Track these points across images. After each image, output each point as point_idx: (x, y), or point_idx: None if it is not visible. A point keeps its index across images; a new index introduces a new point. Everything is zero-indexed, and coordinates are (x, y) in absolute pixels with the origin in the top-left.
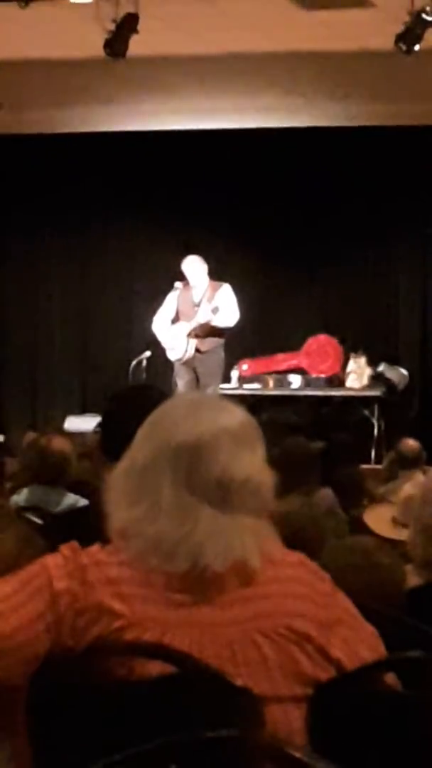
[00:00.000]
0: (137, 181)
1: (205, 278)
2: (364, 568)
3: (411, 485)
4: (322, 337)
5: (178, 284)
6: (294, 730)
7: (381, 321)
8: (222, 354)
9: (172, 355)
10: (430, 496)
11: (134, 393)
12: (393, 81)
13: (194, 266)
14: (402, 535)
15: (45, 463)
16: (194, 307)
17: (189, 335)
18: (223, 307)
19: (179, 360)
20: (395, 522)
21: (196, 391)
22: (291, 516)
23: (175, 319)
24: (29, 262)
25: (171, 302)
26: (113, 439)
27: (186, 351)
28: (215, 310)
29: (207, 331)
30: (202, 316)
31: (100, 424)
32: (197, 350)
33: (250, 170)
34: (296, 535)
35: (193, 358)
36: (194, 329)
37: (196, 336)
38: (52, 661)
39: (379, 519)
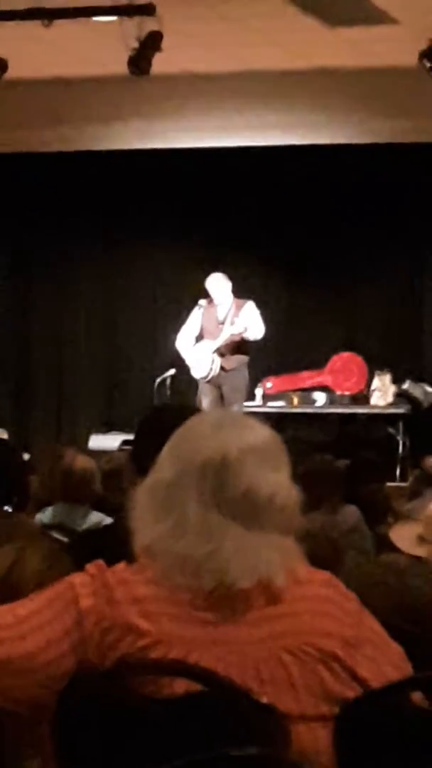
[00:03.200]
0: (161, 199)
1: (230, 296)
2: (395, 588)
3: None
4: (347, 355)
5: (202, 302)
6: (320, 748)
7: (406, 338)
8: (246, 372)
9: (197, 373)
10: None
11: (166, 410)
12: (417, 97)
13: (218, 284)
14: (428, 552)
15: (69, 481)
16: (219, 325)
17: (215, 353)
18: (250, 323)
19: (204, 378)
20: (421, 540)
21: (221, 409)
22: (309, 534)
23: (200, 337)
24: (55, 280)
25: (195, 320)
26: (144, 456)
27: (211, 369)
28: (245, 330)
29: (232, 349)
30: (228, 335)
31: (129, 441)
32: (222, 368)
33: (274, 187)
34: (314, 554)
35: (218, 376)
36: (220, 347)
37: (221, 354)
38: (79, 679)
39: (404, 536)
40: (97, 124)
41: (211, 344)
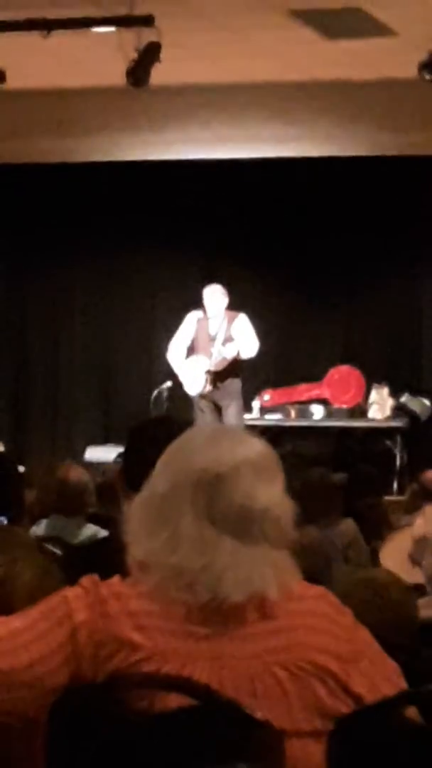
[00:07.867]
0: (158, 211)
1: (222, 310)
2: (375, 604)
3: (424, 520)
4: (345, 368)
5: (198, 313)
6: (314, 764)
7: (404, 351)
8: (239, 381)
9: (190, 390)
10: None
11: (155, 424)
12: (417, 110)
13: (214, 297)
14: (416, 576)
15: (64, 493)
16: (211, 340)
17: (207, 373)
18: (242, 338)
19: (197, 394)
20: (412, 560)
21: (215, 422)
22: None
23: (191, 348)
24: (51, 291)
25: (187, 329)
26: (134, 470)
27: (204, 387)
28: (237, 353)
29: (224, 371)
30: (220, 355)
31: (121, 455)
32: (215, 386)
33: (271, 199)
34: (308, 568)
35: (212, 391)
36: (211, 374)
37: (213, 376)
38: (72, 693)
39: (394, 557)
40: (95, 135)
41: (204, 361)
